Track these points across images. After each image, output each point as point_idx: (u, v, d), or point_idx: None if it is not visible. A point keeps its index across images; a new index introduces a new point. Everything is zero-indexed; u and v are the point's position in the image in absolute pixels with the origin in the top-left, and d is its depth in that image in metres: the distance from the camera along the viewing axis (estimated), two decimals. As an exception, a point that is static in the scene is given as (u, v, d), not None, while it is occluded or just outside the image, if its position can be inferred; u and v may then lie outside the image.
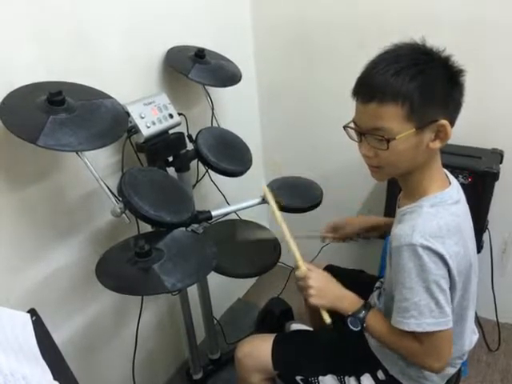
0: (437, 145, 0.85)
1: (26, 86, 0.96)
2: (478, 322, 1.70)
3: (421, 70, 0.80)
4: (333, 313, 0.99)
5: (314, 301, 0.98)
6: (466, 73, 0.84)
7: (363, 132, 0.86)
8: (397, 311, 0.89)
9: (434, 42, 0.85)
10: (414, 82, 0.79)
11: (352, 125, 0.89)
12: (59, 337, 0.82)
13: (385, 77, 0.80)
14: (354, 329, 0.96)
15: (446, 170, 0.96)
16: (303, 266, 1.02)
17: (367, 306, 0.97)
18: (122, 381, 1.41)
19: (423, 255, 0.82)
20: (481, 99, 1.38)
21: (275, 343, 1.14)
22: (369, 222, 1.28)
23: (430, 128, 0.82)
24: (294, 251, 1.04)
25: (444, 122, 0.82)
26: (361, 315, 0.95)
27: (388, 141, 0.82)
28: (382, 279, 1.19)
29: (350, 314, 0.96)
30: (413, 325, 0.85)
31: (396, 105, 0.80)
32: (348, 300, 0.99)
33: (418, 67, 0.80)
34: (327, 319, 0.98)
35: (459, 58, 0.84)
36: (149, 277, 0.94)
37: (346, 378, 1.07)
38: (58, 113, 0.92)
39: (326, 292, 0.99)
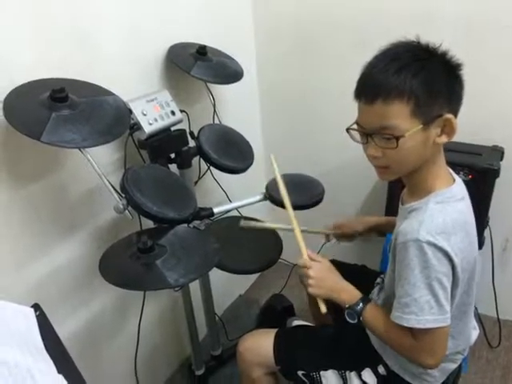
0: (443, 139, 0.85)
1: (29, 83, 0.96)
2: (479, 318, 1.71)
3: (422, 66, 0.80)
4: (333, 305, 1.00)
5: (311, 290, 0.99)
6: (463, 67, 0.85)
7: (369, 133, 0.85)
8: (397, 306, 0.89)
9: (435, 39, 0.85)
10: (417, 78, 0.79)
11: (355, 126, 0.89)
12: (62, 332, 0.82)
13: (387, 75, 0.80)
14: (351, 321, 0.97)
15: (449, 168, 0.96)
16: (305, 255, 1.03)
17: (365, 300, 0.97)
18: (125, 376, 1.42)
19: (428, 252, 0.82)
20: (481, 96, 1.38)
21: (277, 338, 1.14)
22: (371, 222, 1.29)
23: (436, 123, 0.83)
24: (298, 238, 1.05)
25: (449, 116, 0.82)
26: (358, 308, 0.96)
27: (397, 138, 0.81)
28: (382, 275, 1.20)
29: (347, 306, 0.97)
30: (413, 321, 0.85)
31: (401, 102, 0.80)
32: (346, 292, 0.99)
33: (419, 63, 0.80)
34: (323, 308, 0.99)
35: (460, 55, 0.85)
36: (151, 272, 0.94)
37: (348, 372, 1.07)
38: (61, 109, 0.92)
39: (325, 283, 1.00)
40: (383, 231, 1.29)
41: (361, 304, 0.96)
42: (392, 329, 0.91)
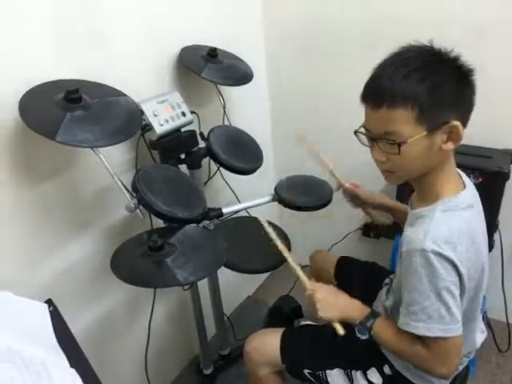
0: (450, 146, 0.83)
1: (44, 83, 0.98)
2: (488, 323, 1.70)
3: (429, 72, 0.79)
4: (343, 322, 1.00)
5: (322, 314, 0.99)
6: (475, 72, 0.83)
7: (374, 137, 0.85)
8: (405, 313, 0.88)
9: (446, 43, 0.84)
10: (423, 84, 0.78)
11: (362, 130, 0.89)
12: (73, 329, 0.84)
13: (393, 81, 0.79)
14: (362, 337, 0.96)
15: (461, 172, 0.95)
16: (307, 282, 1.04)
17: (374, 314, 0.97)
18: (134, 373, 1.43)
19: (434, 261, 0.81)
20: (491, 99, 1.37)
21: (283, 337, 1.15)
22: (390, 201, 1.26)
23: (442, 130, 0.81)
24: (299, 275, 1.07)
25: (456, 123, 0.80)
26: (368, 324, 0.95)
27: (399, 145, 0.81)
28: (391, 275, 1.20)
29: (358, 322, 0.96)
30: (422, 328, 0.84)
31: (406, 108, 0.79)
32: (356, 309, 0.99)
33: (427, 69, 0.79)
34: (340, 331, 0.98)
35: (470, 58, 0.84)
36: (162, 270, 0.96)
37: (353, 371, 1.07)
38: (75, 110, 0.94)
39: (333, 303, 1.00)
40: (398, 217, 1.24)
41: (371, 319, 0.96)
42: (403, 340, 0.90)
